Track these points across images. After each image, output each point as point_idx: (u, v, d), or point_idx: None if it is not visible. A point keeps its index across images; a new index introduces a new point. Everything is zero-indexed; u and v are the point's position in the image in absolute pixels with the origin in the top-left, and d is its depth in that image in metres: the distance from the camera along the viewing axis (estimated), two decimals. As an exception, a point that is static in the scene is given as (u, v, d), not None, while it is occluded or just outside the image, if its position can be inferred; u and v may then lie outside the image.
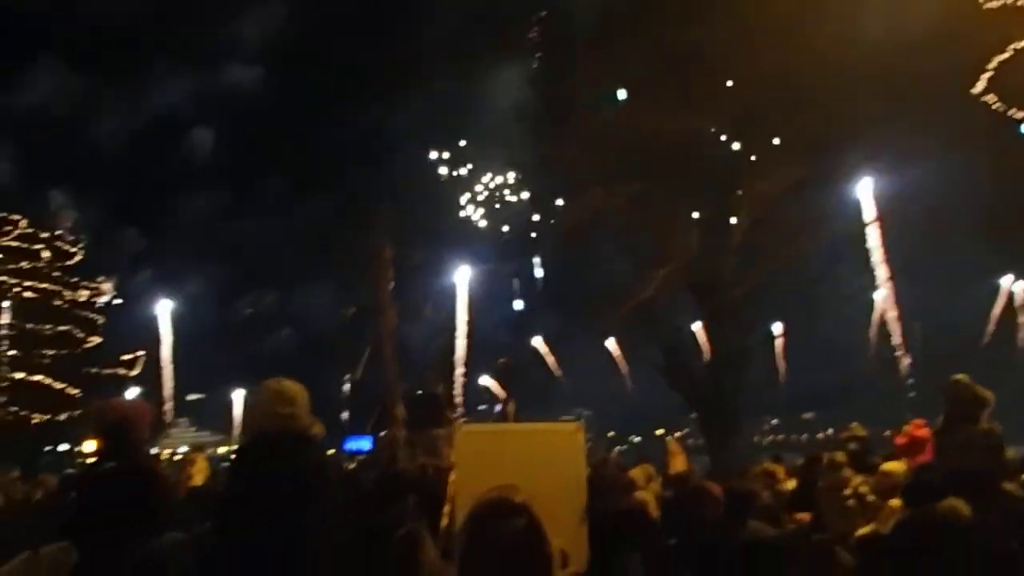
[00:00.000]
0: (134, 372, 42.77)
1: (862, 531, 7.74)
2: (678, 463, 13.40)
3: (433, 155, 24.89)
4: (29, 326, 39.28)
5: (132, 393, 39.56)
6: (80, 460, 43.23)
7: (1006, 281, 22.55)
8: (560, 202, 22.73)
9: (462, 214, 24.65)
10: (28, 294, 39.91)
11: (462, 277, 29.82)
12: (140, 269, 52.57)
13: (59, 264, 41.26)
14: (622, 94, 21.13)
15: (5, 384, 38.21)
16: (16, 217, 39.97)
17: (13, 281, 39.56)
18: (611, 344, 25.76)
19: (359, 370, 17.47)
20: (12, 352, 38.75)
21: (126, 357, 42.75)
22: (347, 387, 25.52)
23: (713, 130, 19.57)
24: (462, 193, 27.74)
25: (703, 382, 20.88)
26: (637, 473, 11.70)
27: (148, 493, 3.47)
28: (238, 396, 46.45)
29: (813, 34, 17.68)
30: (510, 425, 11.59)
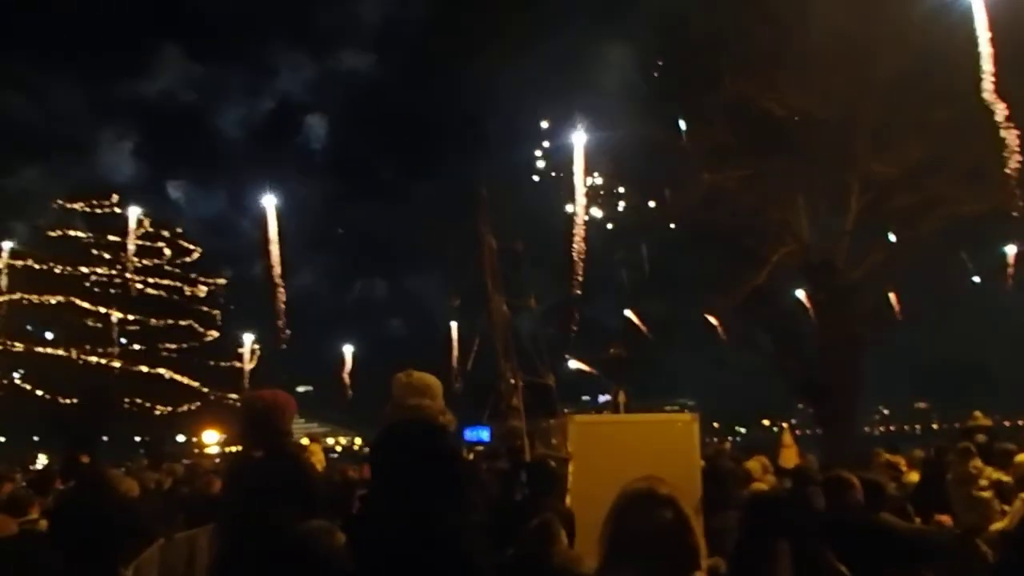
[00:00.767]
0: (250, 365, 44.41)
1: (997, 525, 7.41)
2: (790, 455, 13.14)
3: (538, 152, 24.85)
4: (152, 321, 41.13)
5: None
6: (198, 451, 45.22)
7: None
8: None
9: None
10: (151, 290, 41.80)
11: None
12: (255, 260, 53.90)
13: (179, 260, 43.02)
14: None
15: (131, 377, 40.08)
16: (141, 216, 41.85)
17: (138, 278, 41.50)
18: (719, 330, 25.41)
19: (470, 360, 17.64)
20: (137, 346, 40.64)
21: (242, 350, 44.38)
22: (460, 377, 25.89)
23: (824, 113, 18.92)
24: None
25: (815, 370, 20.32)
26: (753, 465, 11.53)
27: (296, 480, 3.60)
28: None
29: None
30: (623, 416, 11.55)
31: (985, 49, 14.66)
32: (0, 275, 36.22)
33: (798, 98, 18.88)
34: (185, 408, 42.03)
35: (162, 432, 43.86)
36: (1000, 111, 15.08)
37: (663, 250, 23.87)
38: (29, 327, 38.92)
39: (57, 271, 39.04)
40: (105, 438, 38.09)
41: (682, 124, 21.12)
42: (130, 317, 40.51)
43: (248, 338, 41.34)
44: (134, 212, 39.78)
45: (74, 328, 39.21)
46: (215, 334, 43.48)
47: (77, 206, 40.35)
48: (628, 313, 28.69)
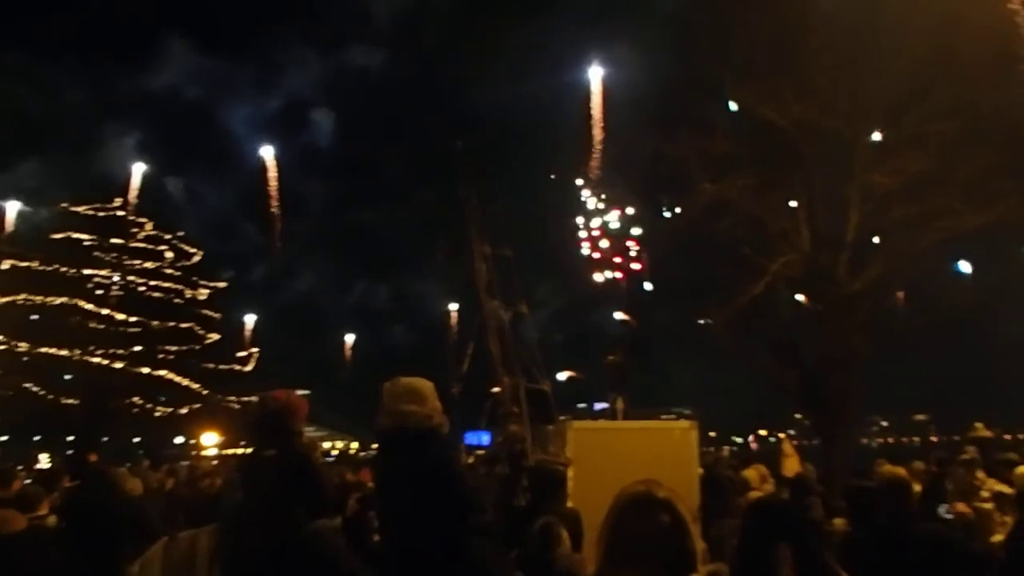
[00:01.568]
0: (248, 368, 44.50)
1: (997, 537, 7.46)
2: (791, 464, 13.21)
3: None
4: (154, 323, 41.23)
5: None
6: (196, 452, 45.27)
7: None
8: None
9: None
10: (153, 293, 41.93)
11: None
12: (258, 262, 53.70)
13: (180, 264, 43.16)
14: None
15: (132, 378, 40.18)
16: (143, 220, 41.98)
17: (140, 280, 41.63)
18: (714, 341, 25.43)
19: (465, 363, 17.69)
20: (137, 348, 40.73)
21: (241, 354, 44.50)
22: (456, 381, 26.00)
23: (825, 122, 19.05)
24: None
25: (813, 381, 20.36)
26: (751, 474, 11.62)
27: (307, 481, 3.69)
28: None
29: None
30: (622, 423, 11.62)
31: None
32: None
33: (800, 108, 19.00)
34: (185, 410, 42.09)
35: (162, 433, 43.92)
36: None
37: (662, 258, 24.00)
38: (32, 328, 39.01)
39: (61, 272, 39.19)
40: (105, 438, 38.14)
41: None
42: (131, 319, 40.61)
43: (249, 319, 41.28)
44: (138, 168, 40.07)
45: (76, 329, 39.32)
46: (215, 336, 43.57)
47: (80, 209, 40.47)
48: (619, 315, 28.79)
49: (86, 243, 40.31)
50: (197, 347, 42.64)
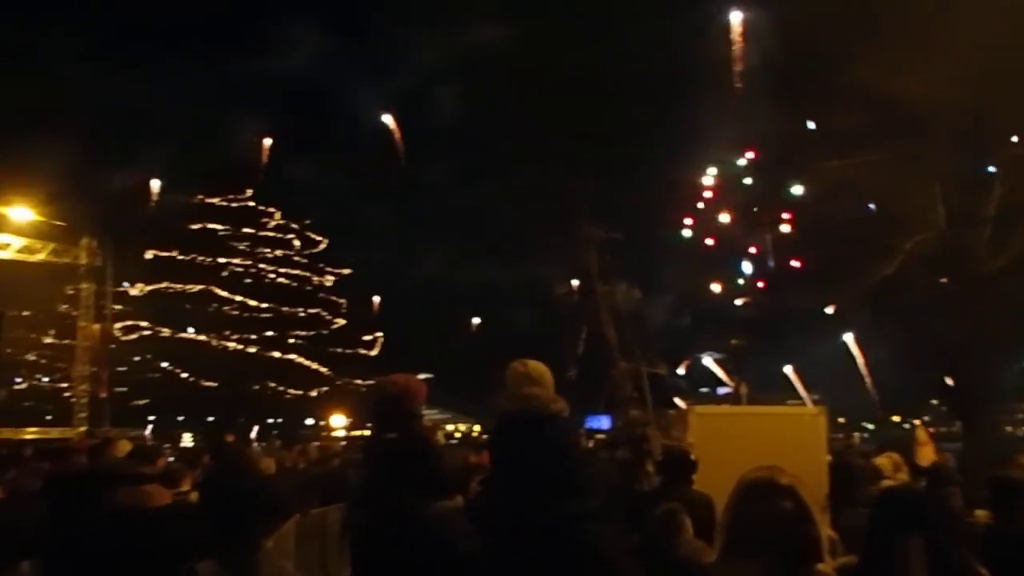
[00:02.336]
0: (373, 352, 45.82)
1: None
2: (926, 453, 12.61)
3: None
4: (284, 309, 42.93)
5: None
6: (326, 434, 46.92)
7: None
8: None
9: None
10: (282, 280, 43.64)
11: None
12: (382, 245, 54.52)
13: (307, 251, 44.71)
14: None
15: (265, 362, 41.99)
16: (272, 210, 43.69)
17: (270, 268, 43.41)
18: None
19: (579, 347, 17.68)
20: (269, 333, 42.52)
21: (367, 338, 45.79)
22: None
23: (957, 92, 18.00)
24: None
25: (952, 364, 19.42)
26: (883, 461, 11.15)
27: (427, 463, 3.77)
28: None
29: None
30: (746, 407, 11.38)
31: None
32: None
33: (928, 80, 18.01)
34: (314, 392, 43.68)
35: (293, 415, 45.74)
36: None
37: (788, 239, 23.32)
38: (173, 314, 41.23)
39: (198, 261, 41.24)
40: (242, 420, 40.04)
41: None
42: (263, 305, 42.38)
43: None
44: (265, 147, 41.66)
45: (213, 315, 41.34)
46: (341, 322, 44.95)
47: (215, 200, 42.40)
48: (739, 301, 28.19)
49: (220, 233, 42.25)
50: (324, 332, 44.12)
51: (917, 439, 13.06)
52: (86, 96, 44.41)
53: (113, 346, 32.67)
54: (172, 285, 40.64)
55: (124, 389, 38.03)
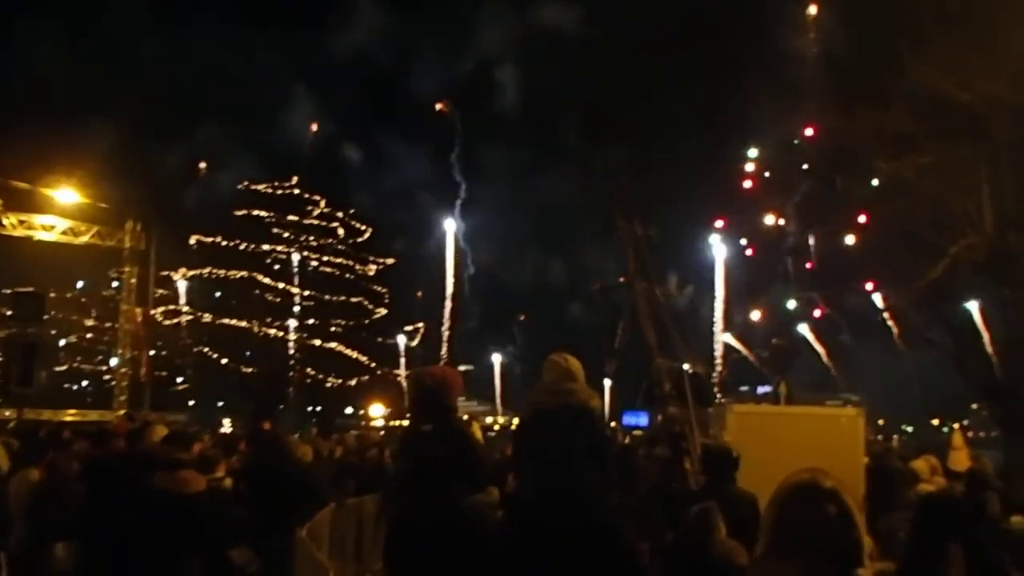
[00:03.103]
0: (414, 343, 45.95)
1: None
2: (960, 458, 12.35)
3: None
4: (326, 297, 43.25)
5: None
6: (364, 423, 47.24)
7: None
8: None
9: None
10: (325, 268, 43.97)
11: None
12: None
13: (351, 240, 44.95)
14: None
15: (306, 350, 42.34)
16: (317, 197, 43.97)
17: (314, 256, 43.76)
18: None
19: (616, 342, 17.60)
20: (311, 321, 42.86)
21: (408, 328, 45.93)
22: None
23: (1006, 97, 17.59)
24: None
25: (996, 370, 19.04)
26: (920, 465, 10.94)
27: (463, 455, 3.76)
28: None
29: None
30: (785, 407, 11.22)
31: None
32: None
33: (985, 82, 17.61)
34: (354, 381, 43.94)
35: (332, 404, 46.06)
36: None
37: (835, 240, 23.01)
38: (216, 300, 41.73)
39: (241, 248, 41.67)
40: (281, 407, 40.46)
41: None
42: (306, 293, 42.73)
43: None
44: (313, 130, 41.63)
45: (256, 302, 41.78)
46: (383, 311, 45.14)
47: (261, 187, 42.79)
48: (793, 303, 27.93)
49: (265, 220, 42.65)
50: (366, 321, 44.37)
51: (952, 443, 12.84)
52: (134, 80, 45.12)
53: (156, 330, 33.14)
54: (216, 271, 41.13)
55: (164, 373, 38.66)
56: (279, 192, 43.08)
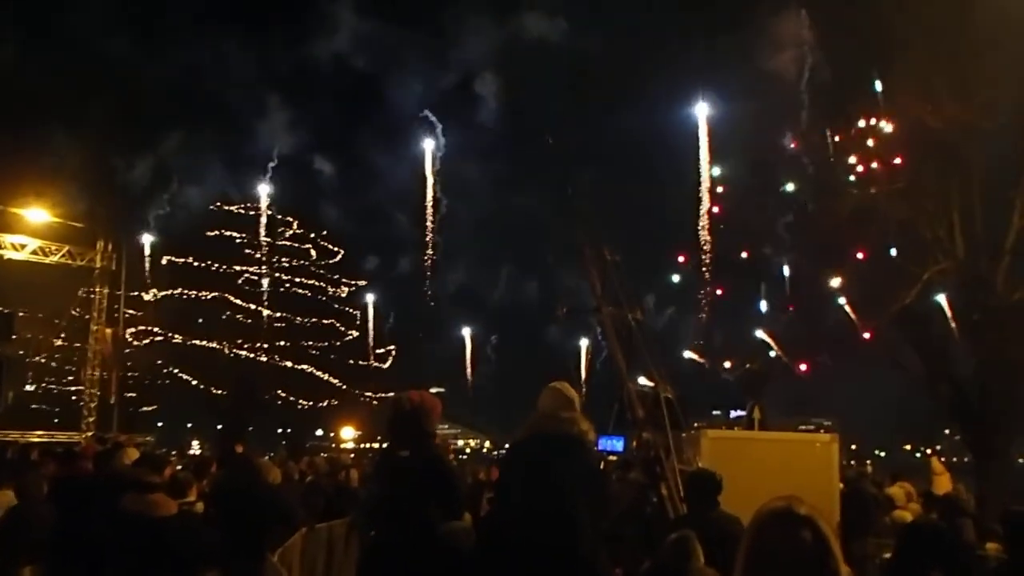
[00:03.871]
0: (386, 365, 45.81)
1: None
2: (942, 483, 12.46)
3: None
4: (298, 319, 43.00)
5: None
6: (335, 445, 46.87)
7: None
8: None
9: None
10: (297, 289, 43.75)
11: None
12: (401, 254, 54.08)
13: (323, 262, 44.81)
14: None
15: (277, 372, 42.04)
16: (290, 219, 43.83)
17: (286, 277, 43.54)
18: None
19: (584, 364, 17.64)
20: (282, 342, 42.58)
21: (380, 351, 45.82)
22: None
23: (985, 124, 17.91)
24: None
25: (967, 394, 19.23)
26: (896, 491, 11.05)
27: (441, 481, 3.73)
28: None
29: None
30: (759, 432, 11.26)
31: None
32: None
33: (957, 109, 17.94)
34: (324, 403, 43.69)
35: (302, 425, 45.72)
36: None
37: (805, 264, 23.24)
38: (191, 320, 41.37)
39: (213, 268, 41.38)
40: (251, 428, 40.09)
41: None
42: (277, 314, 42.47)
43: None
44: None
45: (227, 323, 41.45)
46: (355, 333, 44.98)
47: (233, 208, 42.59)
48: (760, 333, 28.09)
49: (237, 240, 42.41)
50: (338, 343, 44.16)
51: (933, 469, 12.95)
52: (106, 99, 44.73)
53: (126, 351, 32.73)
54: (186, 291, 40.80)
55: (133, 394, 38.13)
56: (251, 212, 42.91)
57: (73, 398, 37.91)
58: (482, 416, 51.73)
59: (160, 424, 43.01)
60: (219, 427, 41.39)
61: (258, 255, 42.90)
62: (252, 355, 41.70)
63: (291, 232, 43.95)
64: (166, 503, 5.19)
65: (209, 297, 41.13)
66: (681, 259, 31.84)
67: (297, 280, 43.88)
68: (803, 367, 24.75)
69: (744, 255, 26.38)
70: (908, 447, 56.96)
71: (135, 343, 38.39)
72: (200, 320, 41.47)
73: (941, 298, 20.10)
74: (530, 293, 53.98)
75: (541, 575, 3.40)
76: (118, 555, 4.69)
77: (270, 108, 48.31)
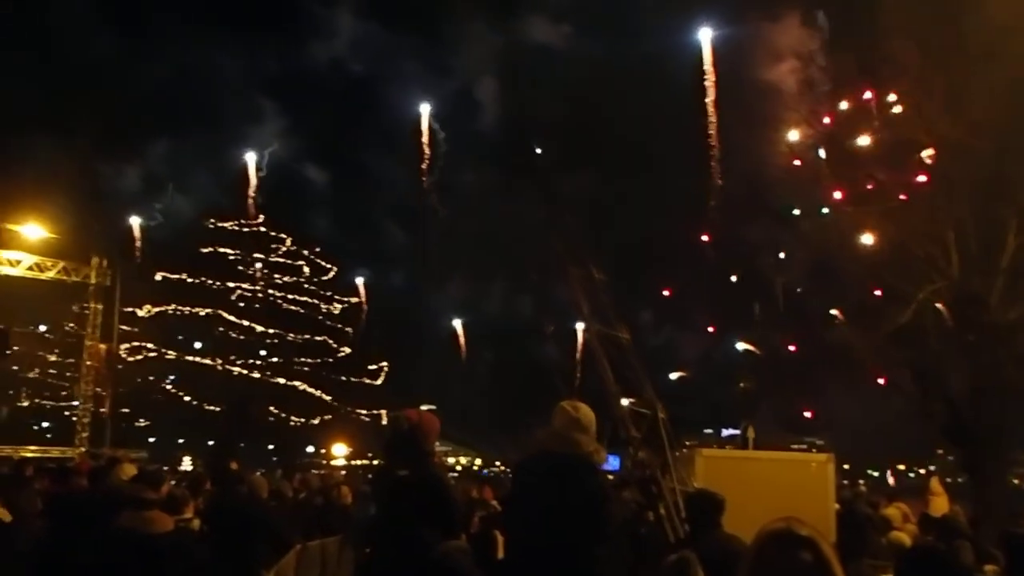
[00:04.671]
0: (378, 381, 45.65)
1: None
2: (940, 504, 12.43)
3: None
4: (291, 336, 42.90)
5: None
6: (326, 462, 46.67)
7: None
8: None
9: None
10: (290, 306, 43.66)
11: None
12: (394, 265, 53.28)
13: (316, 278, 44.76)
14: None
15: (269, 388, 41.92)
16: (283, 236, 43.79)
17: (279, 294, 43.47)
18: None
19: (574, 382, 17.57)
20: (275, 359, 42.49)
21: (372, 367, 45.67)
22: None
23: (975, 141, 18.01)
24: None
25: (962, 414, 19.23)
26: (892, 512, 11.03)
27: (439, 502, 3.72)
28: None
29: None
30: (754, 452, 11.27)
31: None
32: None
33: (947, 126, 18.05)
34: (317, 420, 43.57)
35: (294, 442, 45.52)
36: None
37: (798, 283, 23.30)
38: (180, 336, 41.23)
39: (207, 284, 41.31)
40: (242, 445, 39.92)
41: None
42: (270, 331, 42.38)
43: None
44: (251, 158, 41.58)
45: (220, 339, 41.35)
46: (347, 350, 44.88)
47: (227, 225, 42.55)
48: (744, 346, 28.16)
49: (230, 257, 42.35)
50: (330, 360, 44.05)
51: (931, 489, 12.92)
52: (100, 114, 44.72)
53: (119, 366, 32.68)
54: (180, 307, 40.69)
55: (126, 410, 37.95)
56: (245, 229, 42.87)
57: (67, 413, 37.80)
58: (473, 433, 51.47)
59: (152, 440, 42.84)
60: (210, 443, 41.26)
61: (252, 271, 42.83)
62: (245, 371, 41.57)
63: (284, 249, 43.92)
64: (162, 519, 5.18)
65: (203, 313, 41.04)
66: (666, 293, 32.08)
67: (290, 296, 43.81)
68: (792, 347, 24.82)
69: (734, 278, 26.52)
70: (902, 467, 56.89)
71: (129, 358, 38.29)
72: (194, 336, 41.36)
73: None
74: (523, 308, 53.57)
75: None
76: (113, 571, 4.68)
77: (261, 116, 48.20)
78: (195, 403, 40.28)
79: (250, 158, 40.42)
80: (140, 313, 39.11)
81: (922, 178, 18.67)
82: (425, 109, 34.57)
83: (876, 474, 55.24)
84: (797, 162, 21.30)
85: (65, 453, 25.23)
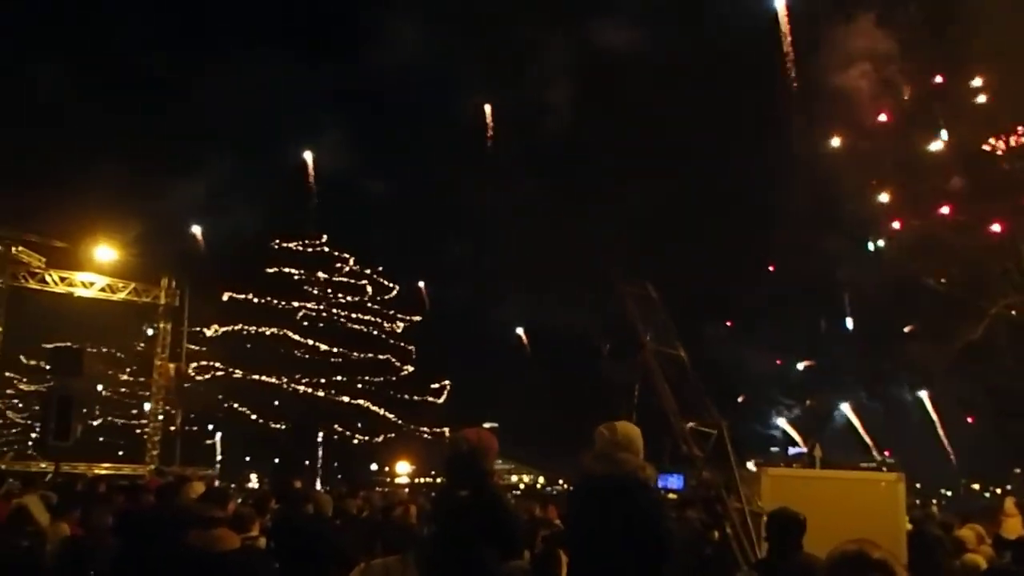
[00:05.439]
0: (440, 400, 45.86)
1: None
2: (1013, 525, 11.96)
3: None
4: (355, 354, 43.36)
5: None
6: (390, 480, 46.84)
7: None
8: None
9: None
10: (354, 325, 44.18)
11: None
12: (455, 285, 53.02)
13: (379, 297, 45.23)
14: None
15: (333, 406, 42.39)
16: (347, 256, 44.40)
17: (343, 313, 44.03)
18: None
19: (634, 400, 17.35)
20: (339, 378, 42.97)
21: (435, 386, 45.91)
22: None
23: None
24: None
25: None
26: (967, 534, 10.64)
27: (499, 522, 3.72)
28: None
29: None
30: (822, 471, 11.00)
31: None
32: None
33: (1017, 136, 17.58)
34: (380, 438, 43.89)
35: (358, 460, 45.89)
36: None
37: (868, 304, 22.87)
38: (247, 356, 41.96)
39: (272, 304, 42.05)
40: (307, 462, 40.39)
41: None
42: (335, 350, 42.89)
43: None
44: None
45: (285, 358, 41.98)
46: (410, 368, 45.19)
47: (292, 245, 43.31)
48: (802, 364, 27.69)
49: (295, 277, 43.08)
50: (393, 378, 44.40)
51: (1004, 510, 12.45)
52: (173, 139, 45.94)
53: (187, 385, 33.36)
54: (247, 327, 41.46)
55: (195, 428, 38.68)
56: (309, 249, 43.59)
57: (137, 431, 38.71)
58: (536, 451, 51.27)
59: (220, 458, 43.55)
60: (276, 461, 41.85)
61: (316, 291, 43.49)
62: (310, 390, 42.13)
63: (348, 268, 44.50)
64: (229, 537, 5.25)
65: (268, 333, 41.74)
66: (728, 324, 31.66)
67: (354, 316, 44.33)
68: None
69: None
70: (976, 486, 55.09)
71: (197, 377, 39.11)
72: (259, 356, 42.06)
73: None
74: (584, 326, 53.18)
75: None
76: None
77: (320, 130, 48.77)
78: (261, 421, 40.94)
79: (310, 174, 41.16)
80: (208, 333, 39.96)
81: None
82: (487, 111, 34.65)
83: (949, 493, 53.57)
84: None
85: (136, 470, 25.81)
